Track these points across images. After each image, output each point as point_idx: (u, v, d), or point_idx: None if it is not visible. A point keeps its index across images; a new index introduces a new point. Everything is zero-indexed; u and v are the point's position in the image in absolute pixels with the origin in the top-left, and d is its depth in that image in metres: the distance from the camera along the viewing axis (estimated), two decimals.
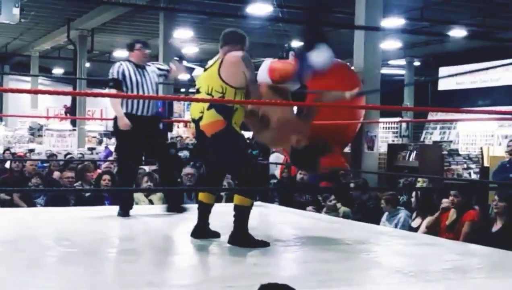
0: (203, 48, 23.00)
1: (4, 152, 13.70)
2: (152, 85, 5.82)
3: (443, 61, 20.97)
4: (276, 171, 10.64)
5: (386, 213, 7.48)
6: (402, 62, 24.61)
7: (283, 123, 4.42)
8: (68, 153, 13.98)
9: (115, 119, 5.73)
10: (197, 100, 4.40)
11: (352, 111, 10.73)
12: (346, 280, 3.48)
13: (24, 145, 18.07)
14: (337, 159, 11.29)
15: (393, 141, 18.04)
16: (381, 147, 13.95)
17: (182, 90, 31.79)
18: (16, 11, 11.90)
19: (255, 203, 4.53)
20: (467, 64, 17.38)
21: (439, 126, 19.18)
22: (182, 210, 5.99)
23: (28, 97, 25.77)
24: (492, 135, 16.03)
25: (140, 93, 5.69)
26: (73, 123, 19.09)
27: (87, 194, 7.43)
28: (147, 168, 10.19)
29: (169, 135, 14.84)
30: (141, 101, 5.70)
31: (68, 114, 21.60)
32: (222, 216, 4.53)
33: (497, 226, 6.26)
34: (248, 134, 7.41)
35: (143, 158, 6.37)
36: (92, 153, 15.21)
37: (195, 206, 4.79)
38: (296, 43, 19.47)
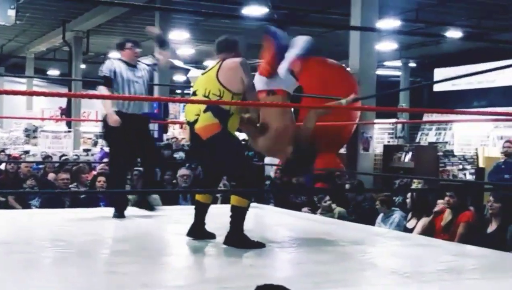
0: (198, 49, 23.00)
1: None
2: (144, 83, 5.81)
3: (439, 62, 21.01)
4: (272, 172, 10.65)
5: (381, 214, 7.49)
6: (398, 63, 24.65)
7: (281, 133, 4.42)
8: (63, 155, 13.95)
9: (105, 118, 5.71)
10: (193, 102, 4.40)
11: (347, 112, 10.74)
12: (342, 281, 3.48)
13: (19, 147, 18.03)
14: (333, 160, 11.31)
15: (389, 142, 18.05)
16: (377, 148, 13.97)
17: (178, 91, 31.81)
18: (12, 12, 11.89)
19: (250, 204, 4.53)
20: (463, 65, 17.43)
21: (434, 127, 19.19)
22: (151, 208, 6.06)
23: (23, 99, 25.72)
24: (488, 136, 16.03)
25: (132, 90, 5.68)
26: (68, 124, 19.04)
27: (82, 196, 7.42)
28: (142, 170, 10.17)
29: (165, 136, 14.81)
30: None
31: (63, 116, 21.55)
32: (217, 217, 4.53)
33: (492, 227, 6.27)
34: (243, 136, 7.41)
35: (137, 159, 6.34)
36: (87, 155, 15.19)
37: (189, 207, 4.79)
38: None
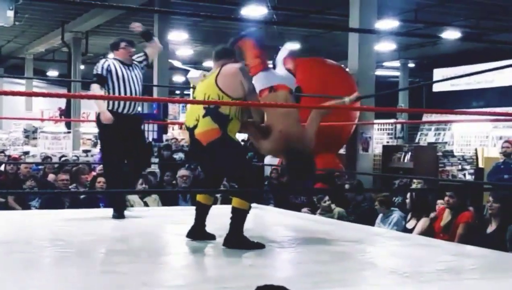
0: (197, 50, 23.01)
1: None
2: (138, 81, 5.80)
3: (438, 62, 21.03)
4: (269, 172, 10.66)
5: (380, 215, 7.50)
6: (397, 63, 24.67)
7: (286, 134, 4.41)
8: (63, 156, 13.94)
9: (98, 116, 5.68)
10: (192, 102, 4.40)
11: (346, 113, 10.75)
12: (341, 281, 3.48)
13: (19, 148, 18.03)
14: (332, 161, 11.32)
15: (388, 142, 18.06)
16: (376, 149, 13.97)
17: (177, 92, 31.80)
18: (10, 13, 11.88)
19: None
20: (461, 65, 17.45)
21: (433, 128, 19.23)
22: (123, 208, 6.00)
23: (22, 100, 25.73)
24: (487, 136, 16.06)
25: (127, 89, 5.68)
26: (68, 125, 19.04)
27: (82, 197, 7.42)
28: None
29: (164, 137, 14.82)
30: None
31: (62, 117, 21.54)
32: (217, 218, 4.53)
33: (491, 227, 6.27)
34: (242, 136, 7.41)
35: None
36: (87, 156, 15.17)
37: (189, 207, 4.79)
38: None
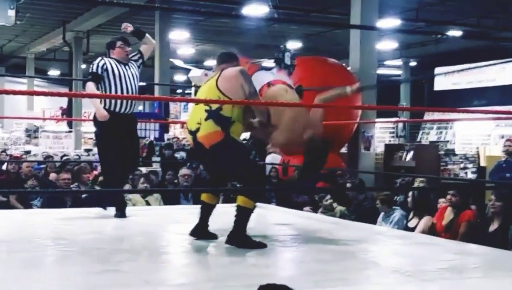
0: (199, 49, 23.00)
1: (0, 154, 13.68)
2: (135, 80, 5.79)
3: (439, 61, 20.98)
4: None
5: (382, 213, 7.49)
6: (398, 62, 24.65)
7: (292, 122, 4.43)
8: (65, 155, 13.96)
9: (95, 116, 5.67)
10: (193, 101, 4.40)
11: (348, 111, 10.74)
12: (344, 280, 3.48)
13: (20, 147, 18.04)
14: (334, 160, 11.31)
15: (390, 141, 18.05)
16: (378, 147, 13.96)
17: (179, 91, 31.81)
18: (12, 13, 11.89)
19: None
20: (463, 64, 17.42)
21: (435, 126, 19.19)
22: (105, 207, 6.02)
23: (24, 99, 25.74)
24: (489, 135, 16.03)
25: (124, 88, 5.66)
26: (70, 124, 19.05)
27: (84, 196, 7.42)
28: (144, 170, 10.20)
29: (166, 136, 14.83)
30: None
31: (64, 116, 21.55)
32: (219, 216, 4.53)
33: (494, 226, 6.26)
34: (244, 135, 7.40)
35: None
36: (88, 155, 15.18)
37: (190, 206, 4.79)
38: (291, 44, 19.54)
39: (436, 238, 5.62)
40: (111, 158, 5.73)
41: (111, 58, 5.79)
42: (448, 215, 6.85)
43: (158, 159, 12.12)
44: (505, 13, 16.67)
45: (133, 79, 5.78)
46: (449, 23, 17.86)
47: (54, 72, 29.36)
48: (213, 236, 4.54)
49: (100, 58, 5.78)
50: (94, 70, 5.66)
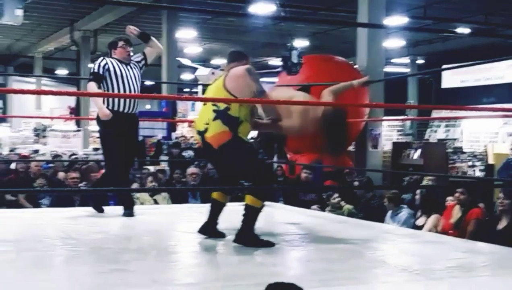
0: (206, 47, 23.01)
1: (9, 153, 13.74)
2: (137, 80, 5.79)
3: (447, 59, 20.92)
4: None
5: (389, 211, 7.49)
6: (406, 60, 24.58)
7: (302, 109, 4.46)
8: (73, 154, 13.99)
9: (98, 116, 5.67)
10: (201, 100, 4.41)
11: (356, 110, 10.73)
12: (351, 279, 3.48)
13: (29, 146, 18.07)
14: (342, 158, 11.30)
15: (398, 139, 18.01)
16: (386, 146, 13.94)
17: (186, 89, 31.84)
18: (19, 12, 11.92)
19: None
20: (471, 61, 17.35)
21: (443, 124, 19.13)
22: (100, 210, 5.96)
23: (32, 98, 25.81)
24: (497, 133, 15.98)
25: (126, 87, 5.67)
26: (78, 123, 19.10)
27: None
28: (152, 168, 10.22)
29: (173, 135, 14.84)
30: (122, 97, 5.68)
31: (72, 115, 21.60)
32: (227, 215, 4.54)
33: (502, 224, 6.25)
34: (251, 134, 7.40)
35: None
36: (97, 154, 15.20)
37: (198, 205, 4.79)
38: (298, 42, 19.53)
39: (444, 236, 5.61)
40: (116, 157, 5.75)
41: (112, 58, 5.80)
42: (456, 213, 6.84)
43: (166, 158, 12.13)
44: None
45: (135, 79, 5.78)
46: (457, 21, 17.80)
47: (61, 72, 29.42)
48: (221, 235, 4.54)
49: (101, 58, 5.79)
50: (96, 70, 5.67)
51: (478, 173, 12.58)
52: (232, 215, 4.41)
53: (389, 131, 18.45)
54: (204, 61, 24.05)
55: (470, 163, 13.02)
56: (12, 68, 29.31)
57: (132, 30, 5.92)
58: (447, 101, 20.13)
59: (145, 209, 6.57)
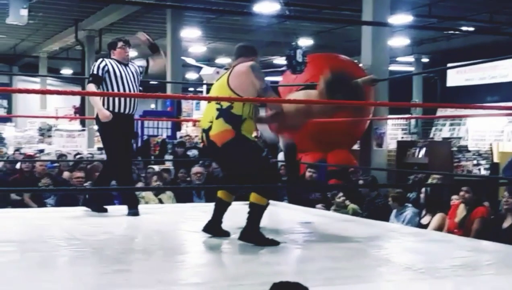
0: (210, 47, 23.02)
1: (14, 153, 13.77)
2: (136, 82, 5.79)
3: (451, 57, 20.90)
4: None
5: (394, 210, 7.48)
6: (410, 58, 24.55)
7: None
8: (78, 153, 14.02)
9: (97, 116, 5.66)
10: (205, 99, 4.41)
11: (360, 108, 10.69)
12: (357, 278, 3.48)
13: (34, 146, 18.12)
14: (346, 157, 11.30)
15: (402, 138, 17.99)
16: (390, 144, 13.91)
17: (191, 89, 31.86)
18: (24, 12, 11.95)
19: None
20: (476, 60, 17.32)
21: (448, 123, 19.12)
22: (103, 210, 5.95)
23: (37, 98, 25.85)
24: (502, 131, 15.96)
25: (126, 88, 5.68)
26: (83, 123, 19.13)
27: None
28: (156, 168, 10.24)
29: (178, 134, 14.86)
30: (122, 98, 5.68)
31: (77, 115, 21.64)
32: (232, 214, 4.54)
33: (507, 223, 6.23)
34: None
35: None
36: (101, 153, 15.22)
37: (203, 204, 4.79)
38: (303, 41, 19.52)
39: (449, 235, 5.61)
40: (118, 156, 5.76)
41: (112, 59, 5.80)
42: (461, 212, 6.82)
43: (170, 157, 12.14)
44: None
45: (134, 80, 5.78)
46: (461, 19, 17.76)
47: (66, 71, 29.48)
48: (226, 234, 4.54)
49: (100, 59, 5.78)
50: (95, 72, 5.67)
51: (483, 172, 12.56)
52: (236, 214, 4.41)
53: (394, 130, 18.45)
54: (208, 60, 24.07)
55: (475, 162, 13.01)
56: (17, 68, 29.38)
57: (145, 38, 5.91)
58: (452, 100, 20.10)
59: (150, 208, 6.58)
